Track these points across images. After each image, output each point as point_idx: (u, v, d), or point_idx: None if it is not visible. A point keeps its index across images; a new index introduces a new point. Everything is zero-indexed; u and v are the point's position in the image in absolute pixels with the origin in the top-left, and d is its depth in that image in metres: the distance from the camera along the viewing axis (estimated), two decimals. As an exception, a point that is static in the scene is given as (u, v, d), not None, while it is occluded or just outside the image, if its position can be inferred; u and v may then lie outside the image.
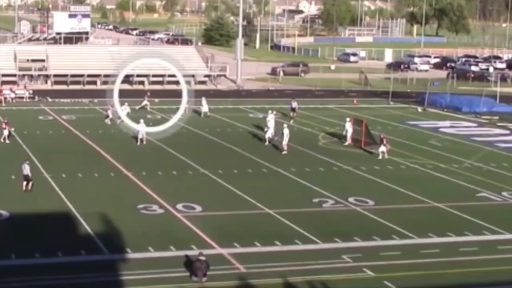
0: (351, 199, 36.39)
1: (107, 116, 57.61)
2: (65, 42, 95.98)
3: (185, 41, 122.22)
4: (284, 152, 47.18)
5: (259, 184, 39.40)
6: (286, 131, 47.59)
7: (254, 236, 30.14)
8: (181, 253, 27.76)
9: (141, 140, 49.10)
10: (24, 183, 36.31)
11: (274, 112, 53.58)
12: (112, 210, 33.30)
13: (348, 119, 52.22)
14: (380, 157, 46.16)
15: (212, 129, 55.52)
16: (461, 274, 26.76)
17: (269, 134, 50.32)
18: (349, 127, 51.01)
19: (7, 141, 48.18)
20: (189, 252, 27.64)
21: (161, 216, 33.07)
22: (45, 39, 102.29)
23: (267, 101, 72.21)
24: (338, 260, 27.71)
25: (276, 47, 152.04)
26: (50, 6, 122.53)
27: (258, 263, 27.09)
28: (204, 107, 61.65)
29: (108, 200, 35.20)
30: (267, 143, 49.77)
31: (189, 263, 26.22)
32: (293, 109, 61.56)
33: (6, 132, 48.62)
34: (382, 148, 46.64)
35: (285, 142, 47.51)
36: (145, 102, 64.98)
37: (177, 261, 26.99)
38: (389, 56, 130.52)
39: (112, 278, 25.49)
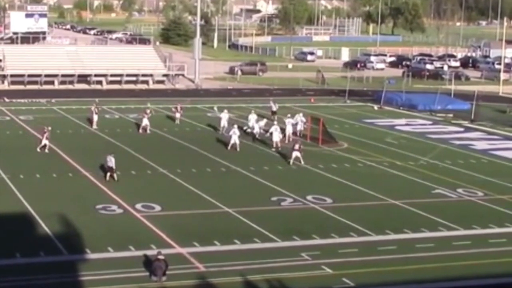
0: (309, 197, 36.65)
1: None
2: (22, 42, 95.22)
3: (143, 41, 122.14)
4: (273, 149, 47.89)
5: (218, 183, 39.52)
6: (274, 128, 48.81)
7: (213, 235, 30.26)
8: (141, 253, 27.78)
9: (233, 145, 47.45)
10: (108, 174, 38.67)
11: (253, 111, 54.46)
12: (71, 210, 33.18)
13: (301, 114, 53.28)
14: (292, 163, 44.01)
15: (171, 129, 55.51)
16: (417, 270, 27.12)
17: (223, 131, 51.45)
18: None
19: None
20: (149, 252, 27.68)
21: (120, 216, 33.03)
22: (1, 39, 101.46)
23: (225, 100, 72.36)
24: (297, 258, 27.92)
25: (234, 46, 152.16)
26: (7, 5, 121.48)
27: (217, 262, 27.19)
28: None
29: (67, 200, 35.04)
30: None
31: (149, 263, 26.28)
32: (274, 112, 59.43)
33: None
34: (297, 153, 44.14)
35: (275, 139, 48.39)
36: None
37: (136, 261, 27.01)
38: (345, 55, 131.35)
39: (71, 279, 25.42)
